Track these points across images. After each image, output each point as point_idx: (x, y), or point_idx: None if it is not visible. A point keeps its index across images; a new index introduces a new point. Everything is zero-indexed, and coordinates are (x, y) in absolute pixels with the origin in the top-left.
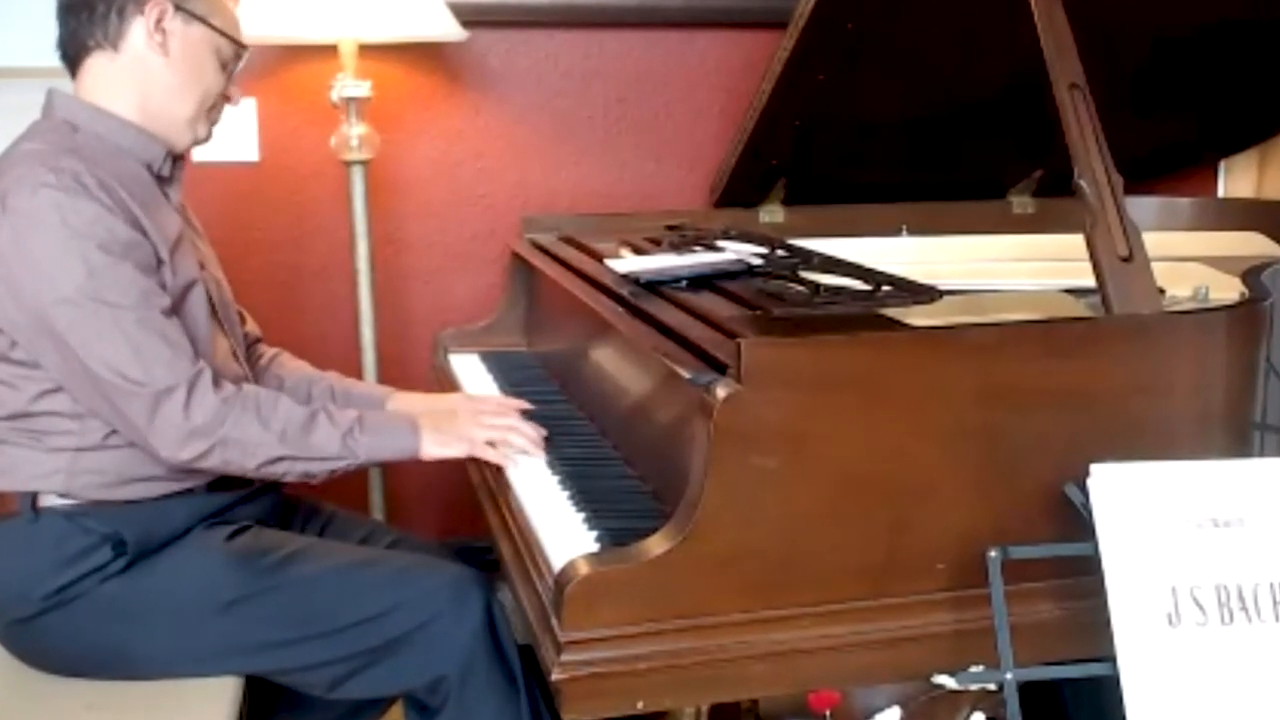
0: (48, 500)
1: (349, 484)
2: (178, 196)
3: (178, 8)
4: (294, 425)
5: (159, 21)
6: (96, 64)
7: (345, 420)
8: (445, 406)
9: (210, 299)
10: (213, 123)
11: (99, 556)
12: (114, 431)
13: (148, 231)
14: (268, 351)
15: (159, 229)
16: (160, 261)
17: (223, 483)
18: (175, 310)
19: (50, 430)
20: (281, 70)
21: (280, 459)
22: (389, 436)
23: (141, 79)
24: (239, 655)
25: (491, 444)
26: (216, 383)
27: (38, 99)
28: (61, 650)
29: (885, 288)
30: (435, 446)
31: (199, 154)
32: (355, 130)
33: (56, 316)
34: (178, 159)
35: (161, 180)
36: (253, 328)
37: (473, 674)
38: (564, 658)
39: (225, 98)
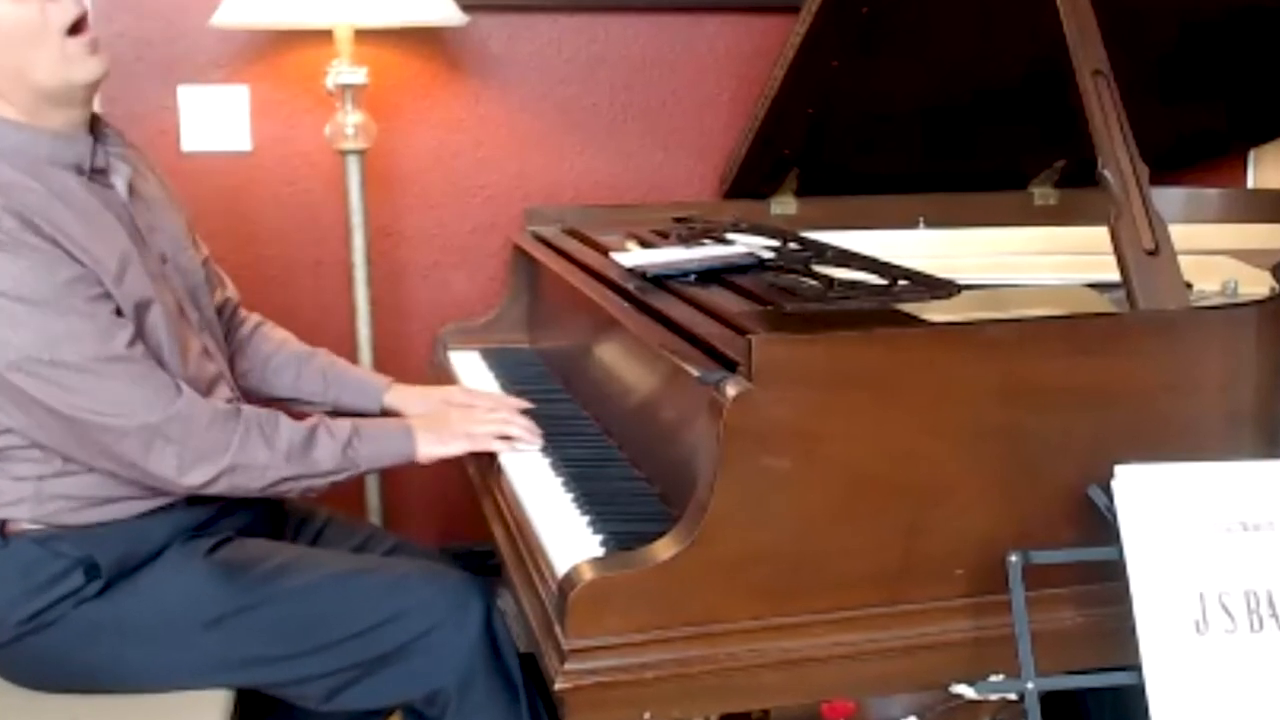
0: (17, 525)
1: (345, 489)
2: (124, 181)
3: None
4: (296, 444)
5: None
6: None
7: (343, 432)
8: (440, 397)
9: (175, 297)
10: (83, 48)
11: (71, 582)
12: None
13: (85, 260)
14: (249, 319)
15: (101, 246)
16: (107, 293)
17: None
18: (136, 335)
19: (14, 459)
20: (274, 56)
21: (285, 479)
22: (386, 443)
23: (4, 83)
24: (227, 671)
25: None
26: (210, 403)
27: None
28: (42, 670)
29: (902, 282)
30: (431, 446)
31: (189, 143)
32: (351, 119)
33: (15, 385)
34: (105, 139)
35: (98, 173)
36: (232, 293)
37: (472, 685)
38: (568, 666)
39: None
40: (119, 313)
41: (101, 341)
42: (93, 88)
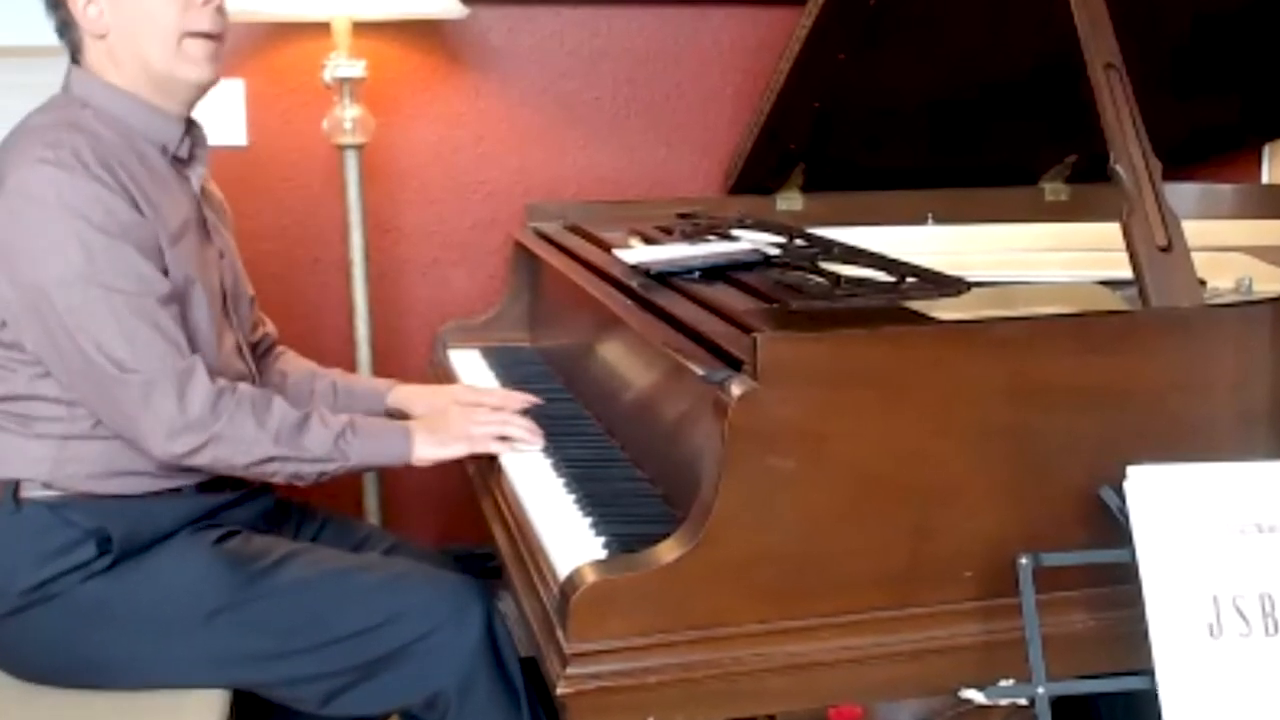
0: (30, 490)
1: (344, 488)
2: (199, 179)
3: None
4: (287, 425)
5: (86, 4)
6: (88, 50)
7: (338, 423)
8: (445, 396)
9: (224, 290)
10: (202, 51)
11: (83, 552)
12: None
13: (148, 215)
14: (280, 353)
15: (163, 216)
16: (159, 248)
17: (213, 484)
18: (175, 297)
19: (39, 416)
20: (271, 49)
21: (272, 459)
22: (381, 442)
23: (121, 53)
24: (225, 666)
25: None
26: (211, 376)
27: (53, 79)
28: (37, 653)
29: (910, 279)
30: (430, 449)
31: None
32: (349, 113)
33: (51, 298)
34: (197, 137)
35: (179, 162)
36: (271, 330)
37: (472, 689)
38: (570, 670)
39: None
40: (165, 274)
41: (142, 283)
42: (198, 90)
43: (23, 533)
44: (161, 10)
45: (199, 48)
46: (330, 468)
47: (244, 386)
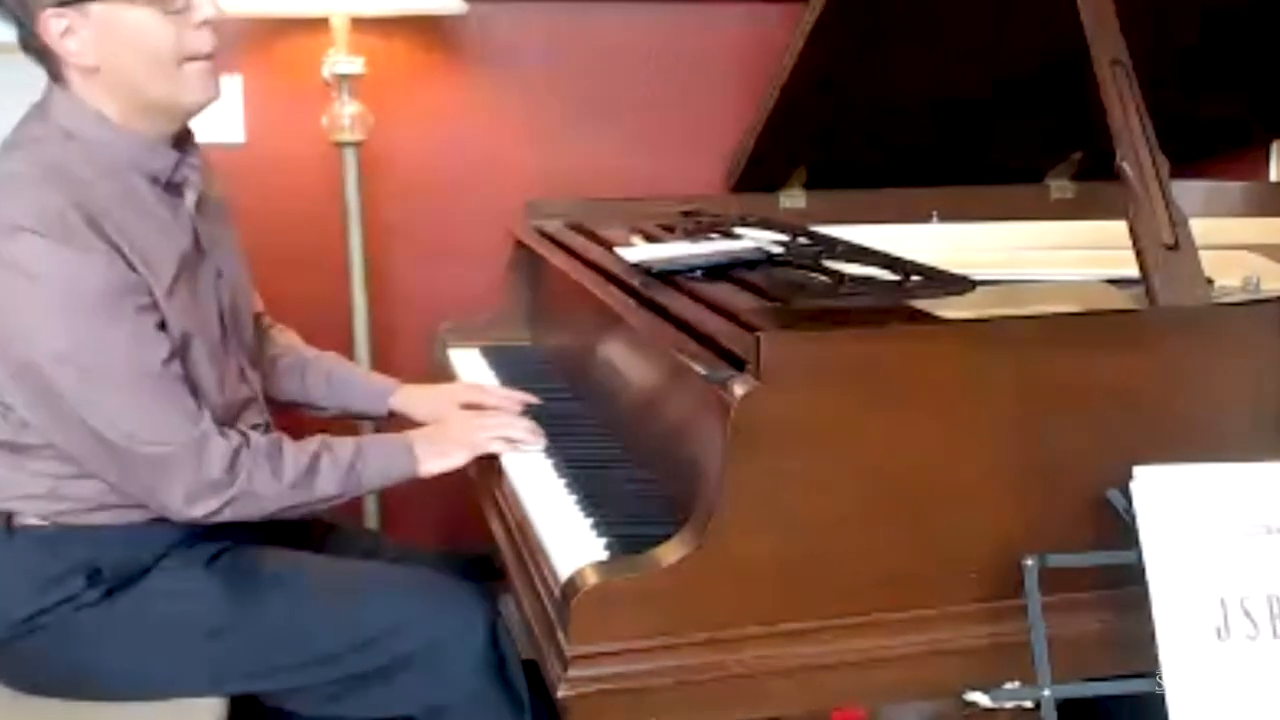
0: (24, 519)
1: None
2: (193, 198)
3: (62, 3)
4: (300, 473)
5: (62, 35)
6: (73, 78)
7: (345, 456)
8: (447, 396)
9: (222, 317)
10: (202, 74)
11: (73, 585)
12: None
13: (142, 269)
14: (270, 326)
15: (156, 268)
16: (155, 303)
17: None
18: (176, 352)
19: (34, 455)
20: (268, 46)
21: (288, 507)
22: (387, 464)
23: (114, 85)
24: (224, 682)
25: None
26: (223, 432)
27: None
28: (36, 673)
29: (914, 278)
30: (434, 462)
31: None
32: (347, 109)
33: (49, 377)
34: (188, 152)
35: (171, 188)
36: (259, 306)
37: (476, 699)
38: (571, 674)
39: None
40: (163, 326)
41: (141, 352)
42: (199, 110)
43: (17, 562)
44: (158, 38)
45: (199, 70)
46: (343, 499)
47: (256, 438)
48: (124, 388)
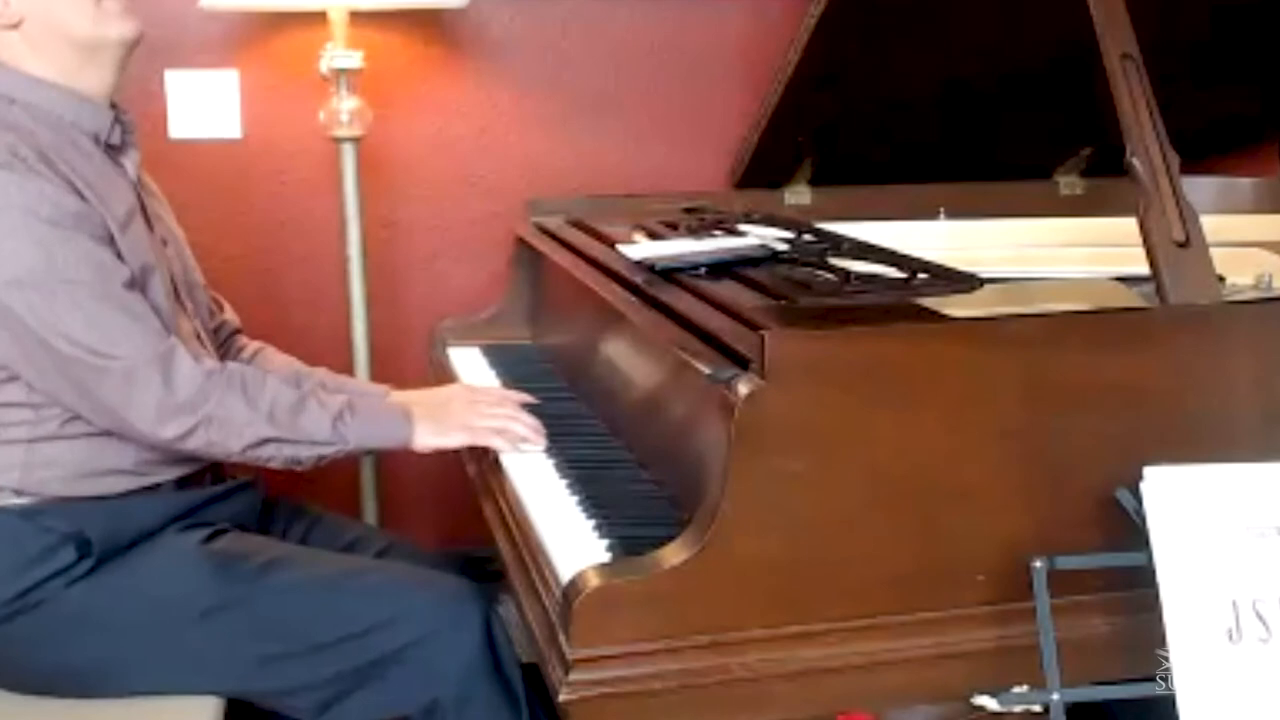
0: (2, 498)
1: (339, 484)
2: (134, 166)
3: None
4: (282, 405)
5: None
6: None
7: (336, 404)
8: (443, 396)
9: (173, 279)
10: (117, 6)
11: (62, 557)
12: (72, 419)
13: (94, 204)
14: (250, 345)
15: (108, 204)
16: (111, 236)
17: (192, 478)
18: (136, 283)
19: (3, 422)
20: (266, 40)
21: (267, 441)
22: (381, 424)
23: (39, 36)
24: (215, 672)
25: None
26: (194, 354)
27: None
28: (27, 663)
29: (921, 275)
30: (430, 436)
31: (176, 131)
32: (346, 104)
33: (10, 300)
34: (126, 123)
35: (112, 149)
36: (231, 317)
37: (471, 696)
38: (572, 677)
39: None
40: (120, 259)
41: (100, 272)
42: (126, 49)
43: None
44: None
45: (113, 3)
46: (328, 451)
47: (235, 365)
48: (84, 304)
